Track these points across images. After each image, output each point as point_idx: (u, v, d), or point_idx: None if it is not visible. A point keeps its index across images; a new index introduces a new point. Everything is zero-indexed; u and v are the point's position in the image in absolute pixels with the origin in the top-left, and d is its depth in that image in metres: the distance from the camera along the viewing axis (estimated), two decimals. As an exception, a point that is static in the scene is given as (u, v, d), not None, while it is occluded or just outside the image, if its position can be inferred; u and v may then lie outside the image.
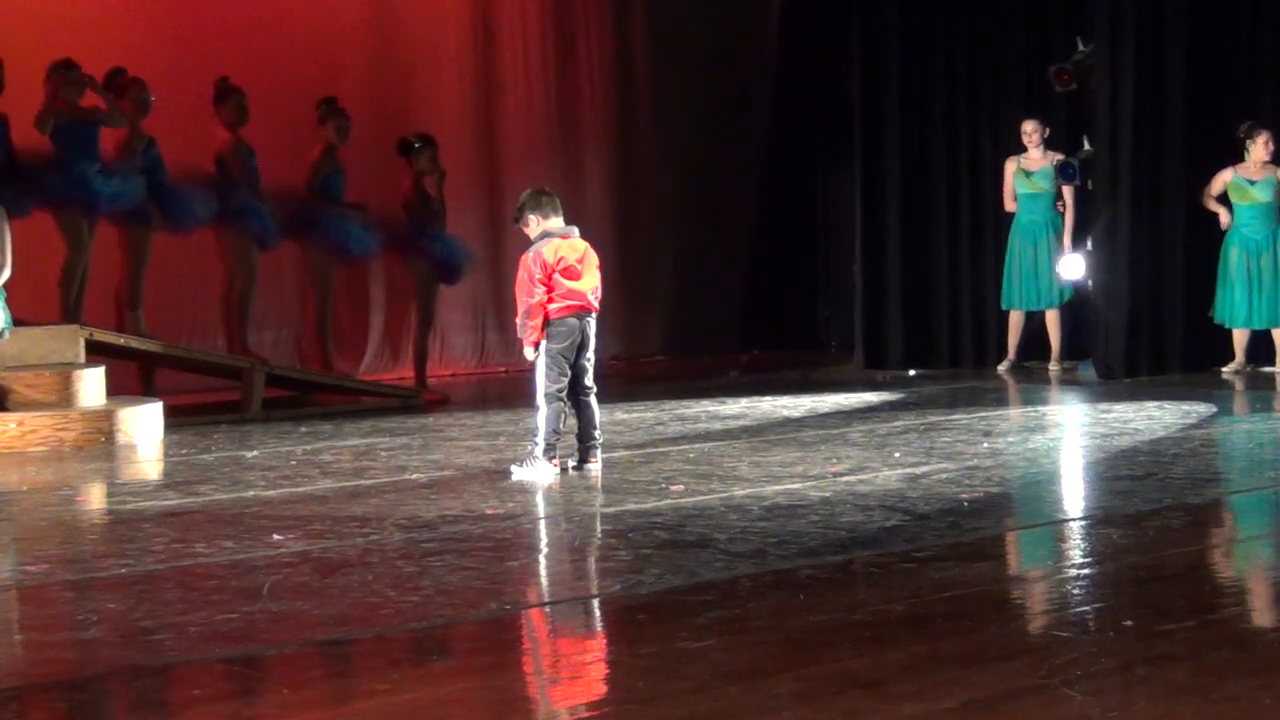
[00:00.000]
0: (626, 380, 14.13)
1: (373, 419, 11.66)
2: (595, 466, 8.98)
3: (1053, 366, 14.04)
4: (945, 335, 14.78)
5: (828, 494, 8.13)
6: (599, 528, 7.70)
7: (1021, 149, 14.11)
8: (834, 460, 9.28)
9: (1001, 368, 14.19)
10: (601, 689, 5.22)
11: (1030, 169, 14.07)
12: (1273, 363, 13.32)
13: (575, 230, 9.04)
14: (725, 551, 6.86)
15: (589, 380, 8.98)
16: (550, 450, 8.81)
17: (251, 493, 8.65)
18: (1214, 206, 13.44)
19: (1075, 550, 7.16)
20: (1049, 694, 4.84)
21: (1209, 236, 13.44)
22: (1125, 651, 5.32)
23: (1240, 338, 13.41)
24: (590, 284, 8.94)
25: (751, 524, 7.42)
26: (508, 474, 8.84)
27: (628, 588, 6.31)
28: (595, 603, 6.32)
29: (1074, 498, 8.72)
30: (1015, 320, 14.24)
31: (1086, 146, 14.00)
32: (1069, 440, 10.47)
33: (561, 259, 8.85)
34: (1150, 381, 13.04)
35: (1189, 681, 4.94)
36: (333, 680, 5.39)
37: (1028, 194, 14.08)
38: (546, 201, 8.98)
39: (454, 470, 9.28)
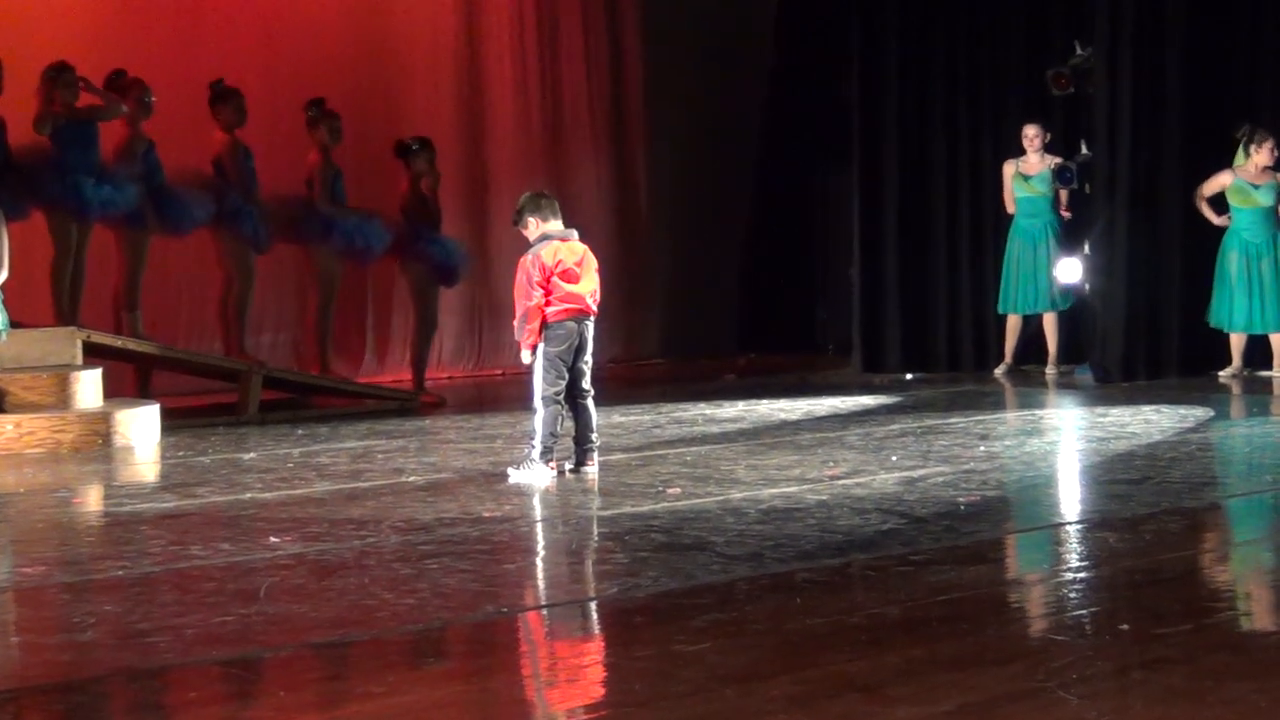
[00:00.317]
0: (624, 383, 14.13)
1: (369, 421, 11.66)
2: (592, 469, 8.98)
3: (1050, 370, 14.03)
4: (944, 339, 14.73)
5: (825, 497, 8.13)
6: (596, 530, 7.69)
7: (1020, 152, 14.10)
8: (831, 463, 9.28)
9: (998, 371, 14.18)
10: (598, 692, 5.21)
11: (1028, 173, 14.06)
12: (1270, 367, 13.32)
13: (574, 233, 9.03)
14: (722, 554, 6.86)
15: (586, 383, 8.98)
16: (547, 453, 8.81)
17: (248, 495, 8.65)
18: (1205, 209, 13.40)
19: (1072, 554, 7.16)
20: (1046, 697, 4.84)
21: (1207, 240, 13.40)
22: (1122, 655, 5.32)
23: (1237, 342, 13.38)
24: (589, 287, 8.93)
25: (748, 527, 7.42)
26: (505, 477, 8.84)
27: (624, 590, 6.31)
28: (592, 605, 6.32)
29: (1071, 501, 8.71)
30: (1013, 324, 14.23)
31: (1084, 150, 14.00)
32: (1066, 444, 10.46)
33: (560, 262, 8.85)
34: (1147, 385, 13.04)
35: (1185, 685, 4.93)
36: (329, 683, 5.39)
37: (1025, 197, 14.06)
38: (545, 204, 8.98)
39: (451, 473, 9.28)
